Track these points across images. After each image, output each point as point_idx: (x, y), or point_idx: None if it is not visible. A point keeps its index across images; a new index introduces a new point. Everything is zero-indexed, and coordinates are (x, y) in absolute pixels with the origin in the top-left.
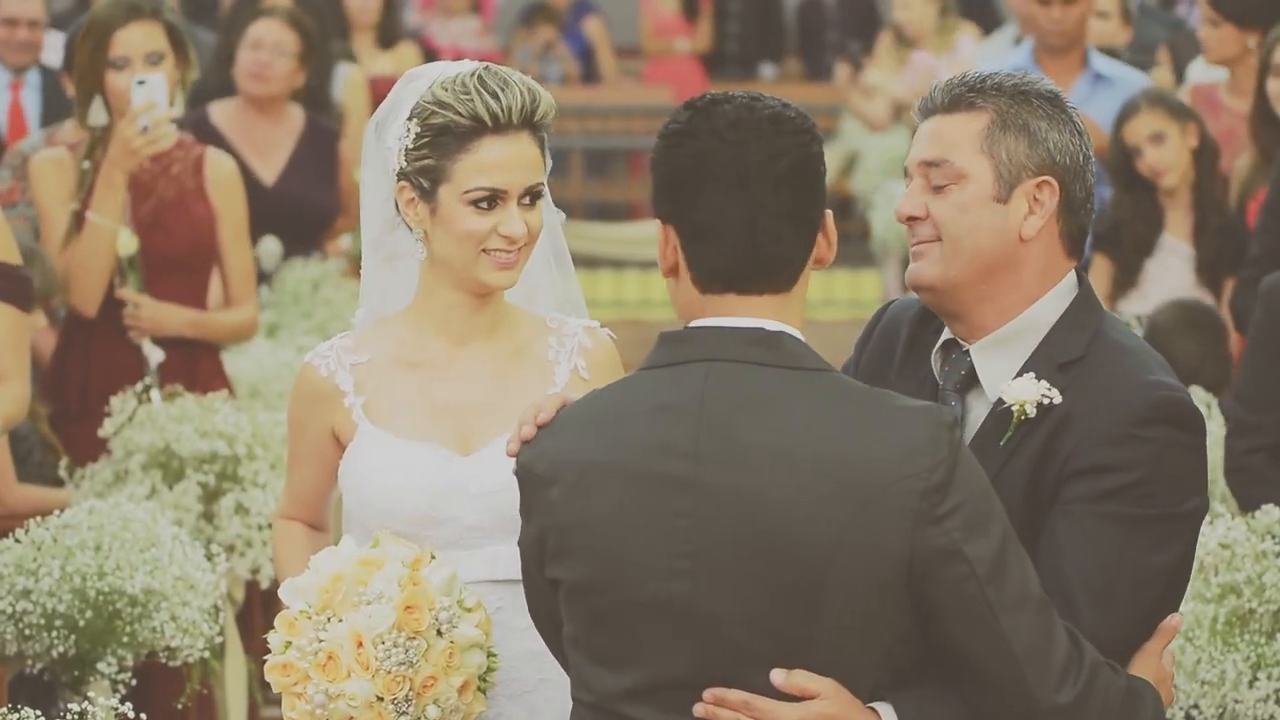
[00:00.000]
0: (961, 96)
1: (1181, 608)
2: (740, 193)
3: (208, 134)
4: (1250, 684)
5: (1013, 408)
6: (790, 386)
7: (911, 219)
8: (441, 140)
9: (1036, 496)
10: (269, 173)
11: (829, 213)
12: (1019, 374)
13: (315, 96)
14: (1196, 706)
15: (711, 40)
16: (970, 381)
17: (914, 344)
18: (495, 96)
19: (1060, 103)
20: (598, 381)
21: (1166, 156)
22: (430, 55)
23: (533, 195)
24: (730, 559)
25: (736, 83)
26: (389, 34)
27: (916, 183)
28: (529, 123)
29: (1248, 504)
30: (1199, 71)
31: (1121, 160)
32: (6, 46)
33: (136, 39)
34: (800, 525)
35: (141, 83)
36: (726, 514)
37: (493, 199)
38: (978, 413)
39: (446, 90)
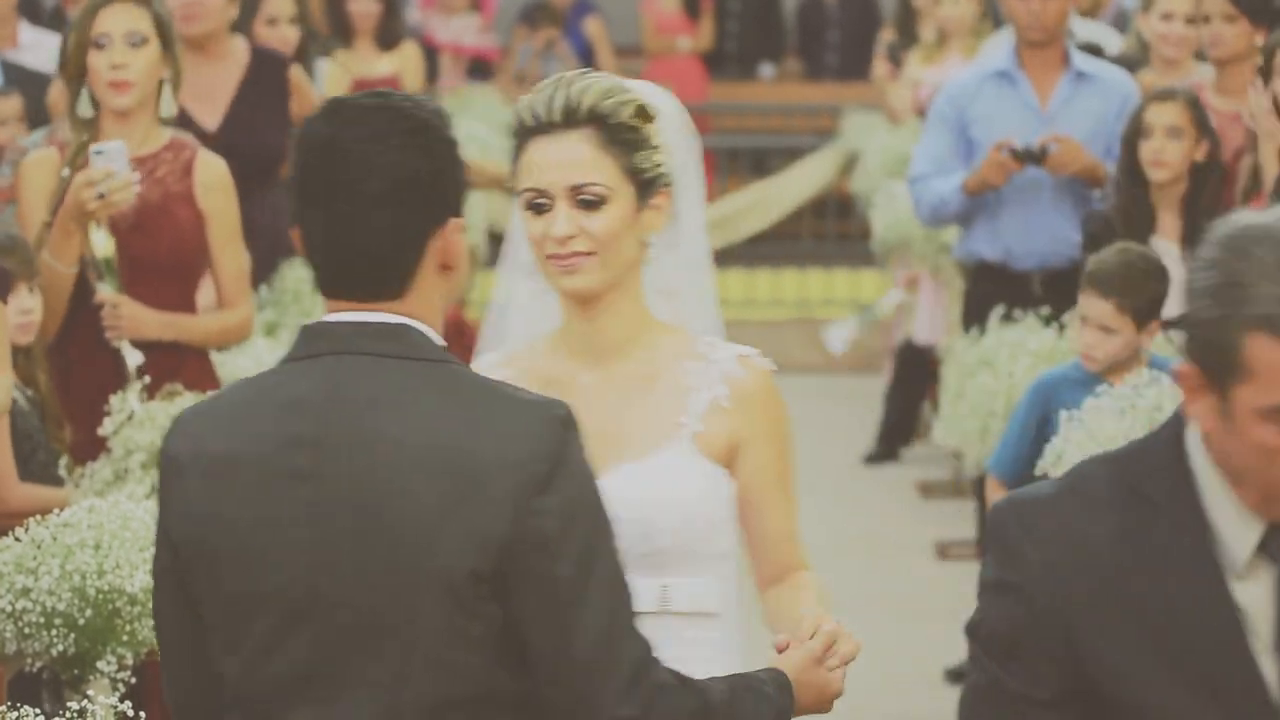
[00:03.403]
0: None
1: None
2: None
3: None
4: None
5: None
6: (412, 378)
7: None
8: (514, 144)
9: None
10: (211, 118)
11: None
12: None
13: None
14: None
15: (712, 39)
16: None
17: None
18: (542, 94)
19: None
20: (741, 415)
21: (1169, 152)
22: (431, 54)
23: (585, 197)
24: (346, 547)
25: (736, 82)
26: (390, 36)
27: None
28: (576, 120)
29: None
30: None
31: (1129, 143)
32: None
33: (118, 16)
34: (407, 509)
35: (99, 152)
36: (344, 503)
37: (539, 200)
38: None
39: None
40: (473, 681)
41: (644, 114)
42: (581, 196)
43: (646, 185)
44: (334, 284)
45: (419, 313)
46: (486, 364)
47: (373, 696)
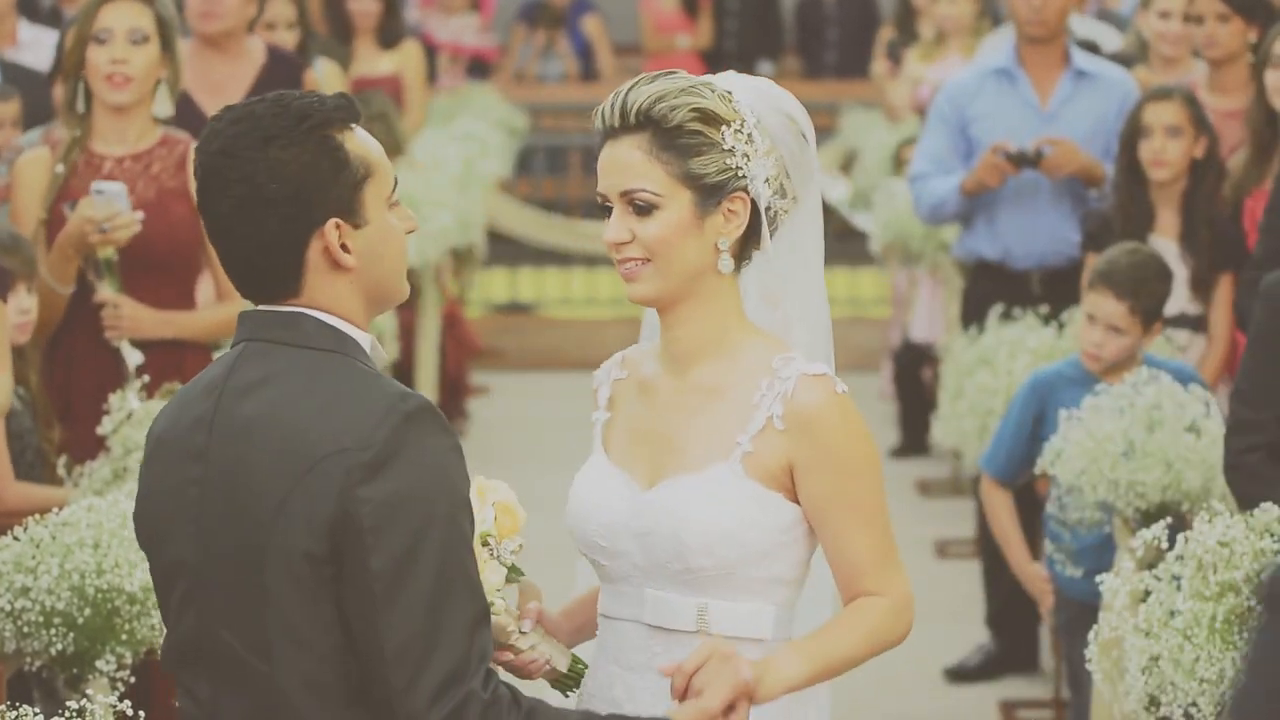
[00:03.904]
0: None
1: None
2: None
3: None
4: None
5: None
6: (292, 364)
7: None
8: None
9: None
10: None
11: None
12: None
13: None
14: (1195, 705)
15: (711, 37)
16: None
17: None
18: (610, 97)
19: None
20: (794, 438)
21: (1170, 151)
22: (430, 53)
23: (635, 202)
24: (217, 524)
25: None
26: (391, 35)
27: None
28: (629, 124)
29: (1246, 502)
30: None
31: (1128, 143)
32: None
33: (121, 13)
34: (259, 489)
35: (100, 192)
36: (220, 482)
37: (605, 204)
38: None
39: None
40: (335, 664)
41: (706, 117)
42: (633, 202)
43: (711, 190)
44: (237, 287)
45: (322, 305)
46: (610, 361)
47: (250, 673)
